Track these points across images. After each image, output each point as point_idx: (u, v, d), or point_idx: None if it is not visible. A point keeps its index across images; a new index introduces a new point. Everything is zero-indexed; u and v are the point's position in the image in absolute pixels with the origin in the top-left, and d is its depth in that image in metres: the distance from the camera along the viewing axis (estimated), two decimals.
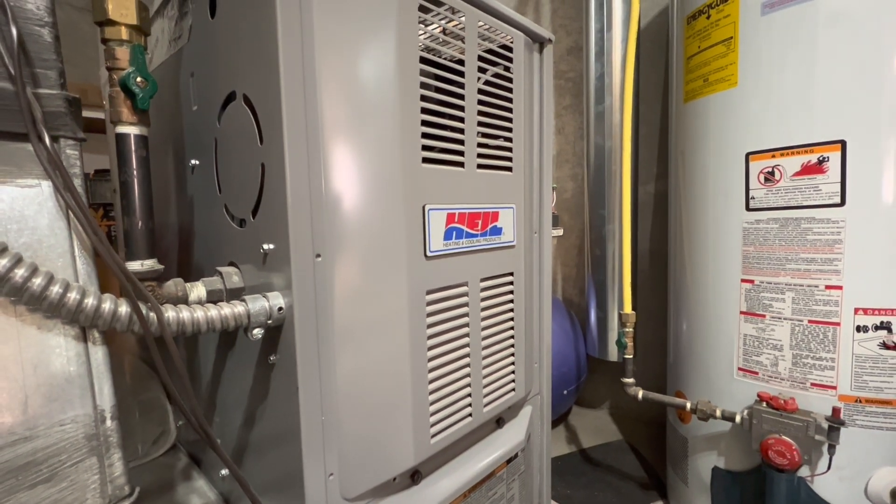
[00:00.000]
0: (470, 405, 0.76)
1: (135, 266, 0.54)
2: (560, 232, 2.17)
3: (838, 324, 1.00)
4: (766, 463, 1.04)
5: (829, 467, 1.01)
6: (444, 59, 0.69)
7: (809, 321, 1.03)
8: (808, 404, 1.04)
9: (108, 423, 0.47)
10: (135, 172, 0.54)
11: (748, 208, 1.11)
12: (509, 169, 0.82)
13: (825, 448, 1.00)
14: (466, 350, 0.74)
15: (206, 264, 0.72)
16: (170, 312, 0.49)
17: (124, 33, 0.51)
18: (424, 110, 0.65)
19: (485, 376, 0.79)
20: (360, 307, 0.60)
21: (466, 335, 0.74)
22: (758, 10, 1.06)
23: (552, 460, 1.10)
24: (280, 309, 0.54)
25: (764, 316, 1.10)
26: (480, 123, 0.74)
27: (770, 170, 1.07)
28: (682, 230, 1.35)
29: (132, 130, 0.53)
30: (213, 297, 0.58)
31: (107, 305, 0.44)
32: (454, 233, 0.70)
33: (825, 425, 0.98)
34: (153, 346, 0.48)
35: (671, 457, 1.46)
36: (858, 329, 0.99)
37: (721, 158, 1.17)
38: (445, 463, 0.77)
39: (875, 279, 0.97)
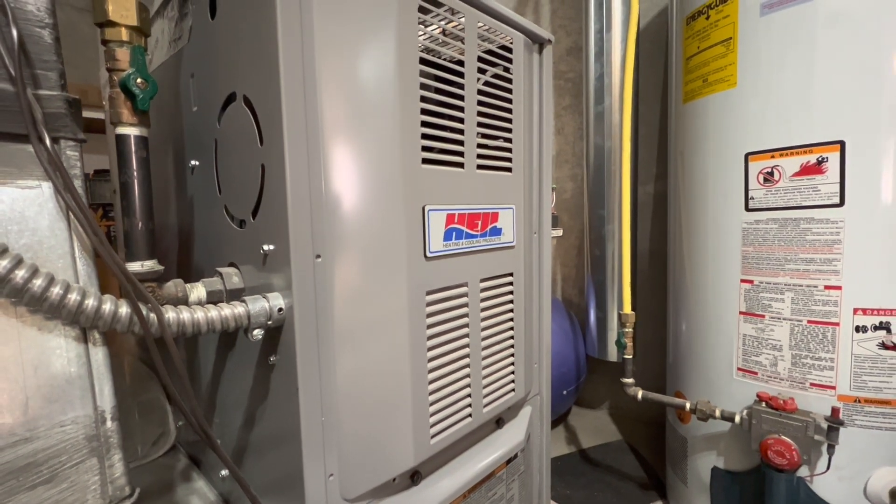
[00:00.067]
0: (470, 405, 0.76)
1: (135, 267, 0.54)
2: (560, 232, 2.17)
3: (837, 324, 1.00)
4: (766, 463, 1.05)
5: (828, 467, 1.01)
6: (444, 59, 0.69)
7: (809, 321, 1.04)
8: (808, 404, 1.04)
9: (109, 423, 0.47)
10: (135, 173, 0.54)
11: (747, 208, 1.11)
12: (509, 169, 0.82)
13: (824, 448, 1.00)
14: (466, 350, 0.75)
15: (205, 265, 0.72)
16: (170, 313, 0.49)
17: (124, 34, 0.51)
18: (424, 111, 0.65)
19: (484, 377, 0.79)
20: (360, 308, 0.60)
21: (466, 335, 0.74)
22: (757, 10, 1.06)
23: (552, 460, 1.10)
24: (280, 310, 0.54)
25: (763, 316, 1.10)
26: (480, 124, 0.74)
27: (769, 170, 1.07)
28: (682, 230, 1.36)
29: (132, 131, 0.53)
30: (214, 298, 0.58)
31: (107, 306, 0.44)
32: (454, 233, 0.70)
33: (824, 425, 0.98)
34: (153, 347, 0.48)
35: (671, 457, 1.46)
36: (857, 329, 0.99)
37: (720, 159, 1.17)
38: (445, 463, 0.77)
39: (874, 279, 0.98)
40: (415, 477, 0.71)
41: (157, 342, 0.48)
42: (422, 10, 0.64)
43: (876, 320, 0.98)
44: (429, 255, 0.66)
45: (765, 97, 1.07)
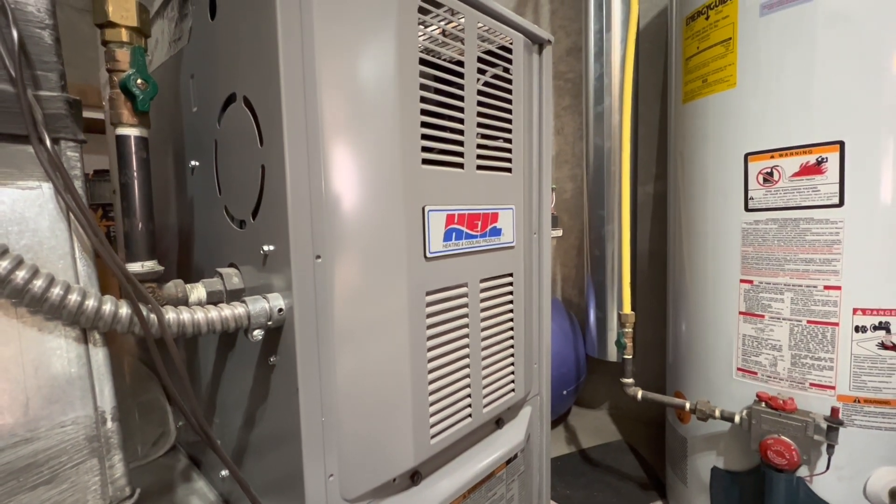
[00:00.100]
0: (469, 406, 0.76)
1: (135, 267, 0.54)
2: (559, 233, 2.17)
3: (837, 324, 1.00)
4: (765, 463, 1.05)
5: (827, 467, 1.01)
6: (444, 60, 0.69)
7: (808, 321, 1.04)
8: (807, 404, 1.04)
9: (109, 424, 0.47)
10: (135, 174, 0.54)
11: (747, 209, 1.11)
12: (509, 170, 0.82)
13: (824, 448, 1.00)
14: (466, 351, 0.75)
15: (205, 265, 0.72)
16: (170, 314, 0.49)
17: (125, 35, 0.51)
18: (424, 111, 0.65)
19: (484, 377, 0.79)
20: (360, 308, 0.60)
21: (466, 336, 0.74)
22: (756, 10, 1.06)
23: (552, 461, 1.10)
24: (280, 310, 0.54)
25: (763, 316, 1.10)
26: (480, 124, 0.74)
27: (769, 170, 1.07)
28: (682, 231, 1.36)
29: (133, 132, 0.54)
30: (214, 299, 0.58)
31: (107, 307, 0.44)
32: (454, 234, 0.70)
33: (824, 425, 0.99)
34: (154, 347, 0.48)
35: (670, 457, 1.46)
36: (857, 329, 0.99)
37: (720, 159, 1.18)
38: (445, 463, 0.77)
39: (873, 279, 0.98)
40: (415, 477, 0.71)
41: (158, 343, 0.48)
42: (422, 10, 0.64)
43: (875, 320, 0.98)
44: (429, 255, 0.66)
45: (764, 97, 1.07)
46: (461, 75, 0.71)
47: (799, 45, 1.01)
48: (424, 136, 0.65)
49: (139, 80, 0.52)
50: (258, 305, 0.54)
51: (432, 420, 0.69)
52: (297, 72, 0.52)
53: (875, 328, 0.98)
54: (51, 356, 0.43)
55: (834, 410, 0.97)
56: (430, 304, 0.68)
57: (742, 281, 1.13)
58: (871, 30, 0.94)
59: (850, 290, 0.99)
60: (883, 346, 0.97)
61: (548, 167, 0.93)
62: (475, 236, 0.75)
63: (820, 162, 1.00)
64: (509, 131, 0.81)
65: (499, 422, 0.88)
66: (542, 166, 0.92)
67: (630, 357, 1.39)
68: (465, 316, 0.74)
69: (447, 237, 0.69)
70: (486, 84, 0.76)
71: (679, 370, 1.39)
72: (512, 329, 0.85)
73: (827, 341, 1.01)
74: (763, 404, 1.07)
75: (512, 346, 0.85)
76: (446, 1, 0.67)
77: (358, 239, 0.59)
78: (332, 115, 0.55)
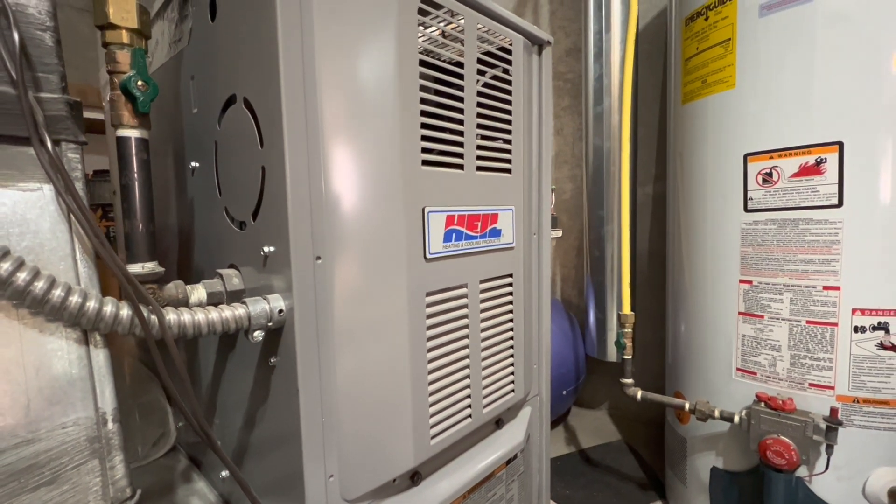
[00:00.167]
0: (469, 406, 0.76)
1: (136, 269, 0.54)
2: (559, 233, 2.18)
3: (836, 324, 1.00)
4: (765, 463, 1.05)
5: (826, 467, 1.01)
6: (444, 61, 0.69)
7: (807, 322, 1.04)
8: (806, 404, 1.04)
9: (110, 425, 0.47)
10: (136, 175, 0.54)
11: (746, 209, 1.12)
12: (508, 171, 0.82)
13: (823, 448, 1.01)
14: (466, 351, 0.75)
15: (206, 266, 0.72)
16: (171, 315, 0.49)
17: (125, 37, 0.51)
18: (424, 113, 0.65)
19: (484, 377, 0.79)
20: (360, 309, 0.60)
21: (466, 336, 0.75)
22: (756, 11, 1.07)
23: (551, 461, 1.10)
24: (280, 311, 0.55)
25: (762, 317, 1.11)
26: (480, 125, 0.75)
27: (768, 171, 1.07)
28: (681, 231, 1.36)
29: (133, 134, 0.54)
30: (214, 300, 0.58)
31: (108, 308, 0.44)
32: (453, 235, 0.71)
33: (823, 425, 0.99)
34: (155, 348, 0.48)
35: (670, 457, 1.46)
36: (856, 329, 0.99)
37: (719, 160, 1.18)
38: (445, 464, 0.77)
39: (872, 280, 0.98)
40: (415, 477, 0.71)
41: (158, 344, 0.48)
42: (421, 11, 0.64)
43: (874, 320, 0.98)
44: (429, 256, 0.67)
45: (764, 98, 1.07)
46: (461, 76, 0.71)
47: (798, 46, 1.01)
48: (424, 137, 0.65)
49: (140, 82, 0.52)
50: (258, 306, 0.54)
51: (432, 420, 0.69)
52: (297, 73, 0.52)
53: (874, 328, 0.98)
54: (52, 357, 0.43)
55: (833, 411, 0.98)
56: (430, 305, 0.68)
57: (741, 281, 1.14)
58: (870, 30, 0.94)
59: (849, 291, 0.99)
60: (882, 346, 0.98)
61: (547, 168, 0.93)
62: (475, 237, 0.75)
63: (819, 162, 1.00)
64: (509, 132, 0.81)
65: (498, 422, 0.89)
66: (541, 167, 0.92)
67: (629, 357, 1.39)
68: (465, 317, 0.74)
69: (447, 238, 0.69)
70: (486, 85, 0.76)
71: (678, 370, 1.39)
72: (512, 329, 0.85)
73: (826, 341, 1.02)
74: (762, 404, 1.07)
75: (511, 347, 0.85)
76: (446, 2, 0.67)
77: (358, 240, 0.59)
78: (332, 117, 0.55)
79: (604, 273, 1.85)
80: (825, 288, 1.01)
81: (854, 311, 0.99)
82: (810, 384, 1.04)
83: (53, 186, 0.43)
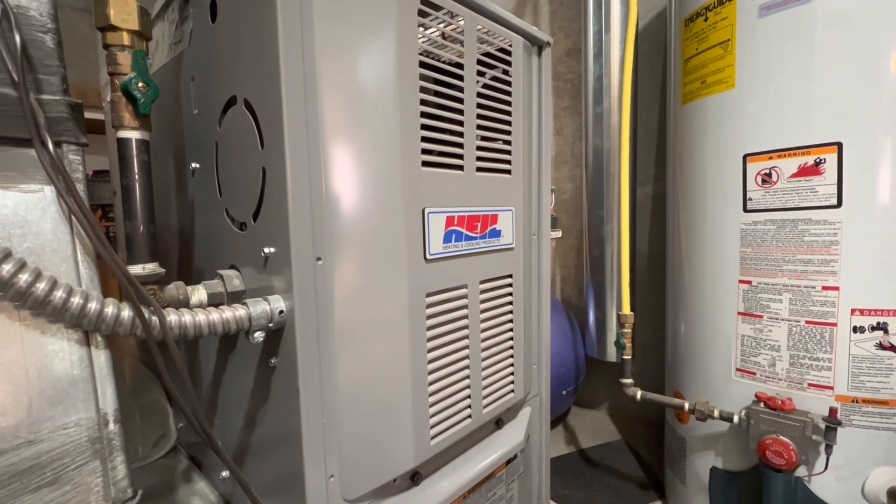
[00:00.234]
0: (469, 406, 0.76)
1: (136, 270, 0.54)
2: (559, 234, 2.18)
3: (835, 324, 1.01)
4: (764, 463, 1.05)
5: (826, 467, 1.01)
6: (444, 62, 0.70)
7: (807, 322, 1.04)
8: (806, 404, 1.04)
9: (111, 426, 0.47)
10: (136, 177, 0.54)
11: (746, 209, 1.12)
12: (508, 171, 0.82)
13: (822, 448, 1.01)
14: (466, 352, 0.75)
15: (206, 267, 0.72)
16: (172, 316, 0.50)
17: (126, 39, 0.51)
18: (424, 114, 0.65)
19: (484, 378, 0.79)
20: (360, 310, 0.60)
21: (466, 337, 0.75)
22: (755, 12, 1.07)
23: (551, 461, 1.10)
24: (281, 312, 0.55)
25: (761, 317, 1.11)
26: (479, 126, 0.75)
27: (767, 171, 1.07)
28: (680, 231, 1.36)
29: (134, 135, 0.54)
30: (215, 301, 0.58)
31: (109, 309, 0.44)
32: (453, 236, 0.71)
33: (822, 425, 0.99)
34: (156, 349, 0.48)
35: (669, 457, 1.46)
36: (855, 330, 0.99)
37: (719, 160, 1.18)
38: (445, 464, 0.78)
39: (871, 280, 0.98)
40: (415, 478, 0.71)
41: (159, 345, 0.48)
42: (421, 13, 0.64)
43: (873, 321, 0.98)
44: (429, 257, 0.67)
45: (763, 99, 1.07)
46: (461, 77, 0.71)
47: (797, 47, 1.01)
48: (424, 139, 0.65)
49: (141, 84, 0.52)
50: (259, 307, 0.54)
51: (432, 421, 0.70)
52: (298, 74, 0.52)
53: (873, 328, 0.98)
54: (53, 359, 0.44)
55: (832, 410, 0.98)
56: (430, 306, 0.68)
57: (741, 281, 1.14)
58: (869, 31, 0.95)
59: (849, 291, 0.99)
60: (881, 346, 0.98)
61: (547, 168, 0.93)
62: (475, 238, 0.75)
63: (818, 163, 1.01)
64: (509, 133, 0.81)
65: (498, 422, 0.89)
66: (541, 168, 0.92)
67: (629, 357, 1.39)
68: (465, 317, 0.74)
69: (447, 239, 0.70)
70: (486, 86, 0.76)
71: (678, 370, 1.39)
72: (511, 330, 0.85)
73: (825, 342, 1.02)
74: (762, 404, 1.07)
75: (511, 347, 0.85)
76: (445, 3, 0.67)
77: (358, 241, 0.59)
78: (332, 118, 0.55)
79: (603, 273, 1.86)
80: (824, 288, 1.01)
81: (853, 311, 0.99)
82: (809, 384, 1.05)
83: (55, 188, 0.43)
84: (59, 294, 0.41)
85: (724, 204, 1.17)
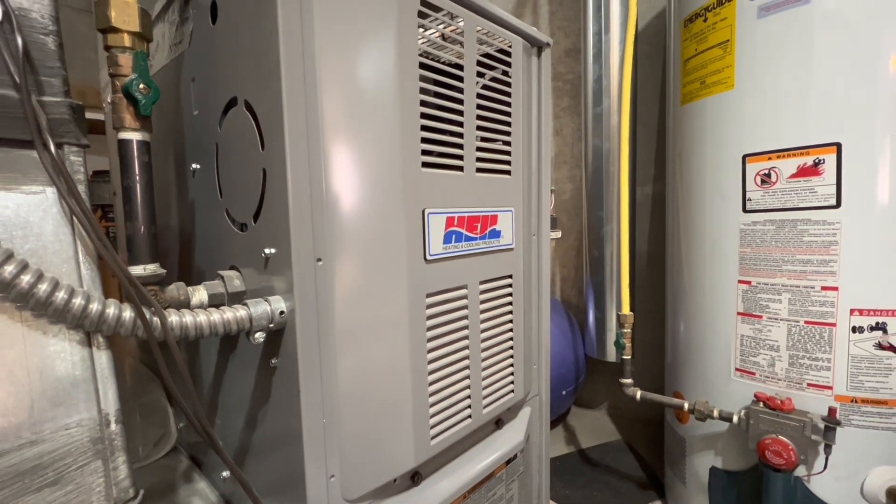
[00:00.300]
0: (469, 406, 0.77)
1: (137, 270, 0.54)
2: (558, 234, 2.18)
3: (834, 324, 1.01)
4: (763, 463, 1.05)
5: (825, 467, 1.02)
6: (443, 63, 0.70)
7: (806, 322, 1.04)
8: (805, 404, 1.05)
9: (113, 426, 0.48)
10: (137, 178, 0.54)
11: (745, 210, 1.12)
12: (508, 172, 0.82)
13: (821, 448, 1.01)
14: (466, 352, 0.75)
15: (207, 268, 0.72)
16: (173, 317, 0.50)
17: (127, 40, 0.51)
18: (424, 115, 0.65)
19: (484, 378, 0.79)
20: (360, 310, 0.60)
21: (466, 337, 0.75)
22: (754, 13, 1.07)
23: (551, 460, 1.10)
24: (282, 313, 0.55)
25: (761, 317, 1.11)
26: (479, 127, 0.75)
27: (766, 172, 1.08)
28: (680, 232, 1.36)
29: (135, 136, 0.54)
30: (215, 301, 0.59)
31: (111, 310, 0.44)
32: (453, 236, 0.71)
33: (821, 425, 0.99)
34: (157, 350, 0.48)
35: (669, 457, 1.47)
36: (854, 330, 1.00)
37: (718, 160, 1.18)
38: (445, 464, 0.78)
39: (870, 280, 0.98)
40: (415, 478, 0.72)
41: (160, 345, 0.48)
42: (421, 14, 0.64)
43: (872, 321, 0.98)
44: (429, 257, 0.67)
45: (762, 99, 1.08)
46: (460, 78, 0.71)
47: (796, 47, 1.01)
48: (424, 139, 0.65)
49: (141, 85, 0.52)
50: (260, 308, 0.54)
51: (432, 421, 0.70)
52: (298, 75, 0.52)
53: (872, 329, 0.98)
54: (55, 359, 0.44)
55: (831, 410, 0.98)
56: (430, 306, 0.68)
57: (740, 282, 1.14)
58: (868, 31, 0.95)
59: (848, 291, 1.00)
60: (880, 346, 0.98)
61: (547, 169, 0.93)
62: (474, 238, 0.75)
63: (817, 163, 1.01)
64: (508, 134, 0.81)
65: (498, 422, 0.89)
66: (541, 168, 0.92)
67: (629, 357, 1.39)
68: (465, 318, 0.74)
69: (447, 239, 0.70)
70: (486, 87, 0.76)
71: (677, 370, 1.39)
72: (511, 330, 0.85)
73: (824, 342, 1.02)
74: (761, 404, 1.07)
75: (511, 348, 0.86)
76: (445, 4, 0.67)
77: (358, 241, 0.59)
78: (332, 119, 0.56)
79: (603, 273, 1.86)
80: (823, 288, 1.02)
81: (852, 311, 0.99)
82: (809, 384, 1.05)
83: (56, 189, 0.43)
84: (60, 295, 0.41)
85: (723, 204, 1.17)
